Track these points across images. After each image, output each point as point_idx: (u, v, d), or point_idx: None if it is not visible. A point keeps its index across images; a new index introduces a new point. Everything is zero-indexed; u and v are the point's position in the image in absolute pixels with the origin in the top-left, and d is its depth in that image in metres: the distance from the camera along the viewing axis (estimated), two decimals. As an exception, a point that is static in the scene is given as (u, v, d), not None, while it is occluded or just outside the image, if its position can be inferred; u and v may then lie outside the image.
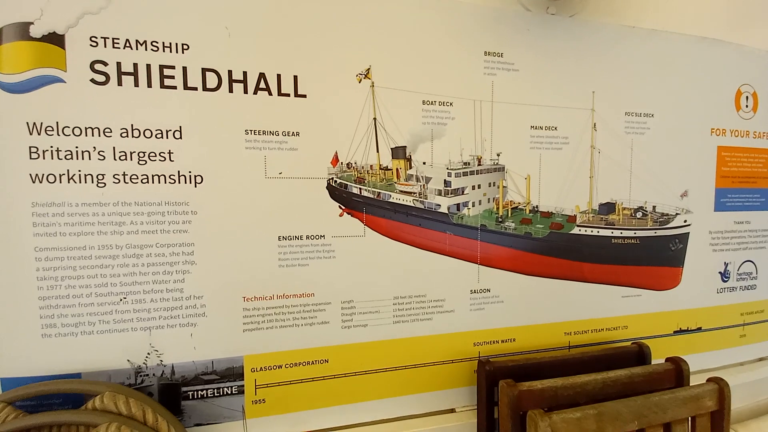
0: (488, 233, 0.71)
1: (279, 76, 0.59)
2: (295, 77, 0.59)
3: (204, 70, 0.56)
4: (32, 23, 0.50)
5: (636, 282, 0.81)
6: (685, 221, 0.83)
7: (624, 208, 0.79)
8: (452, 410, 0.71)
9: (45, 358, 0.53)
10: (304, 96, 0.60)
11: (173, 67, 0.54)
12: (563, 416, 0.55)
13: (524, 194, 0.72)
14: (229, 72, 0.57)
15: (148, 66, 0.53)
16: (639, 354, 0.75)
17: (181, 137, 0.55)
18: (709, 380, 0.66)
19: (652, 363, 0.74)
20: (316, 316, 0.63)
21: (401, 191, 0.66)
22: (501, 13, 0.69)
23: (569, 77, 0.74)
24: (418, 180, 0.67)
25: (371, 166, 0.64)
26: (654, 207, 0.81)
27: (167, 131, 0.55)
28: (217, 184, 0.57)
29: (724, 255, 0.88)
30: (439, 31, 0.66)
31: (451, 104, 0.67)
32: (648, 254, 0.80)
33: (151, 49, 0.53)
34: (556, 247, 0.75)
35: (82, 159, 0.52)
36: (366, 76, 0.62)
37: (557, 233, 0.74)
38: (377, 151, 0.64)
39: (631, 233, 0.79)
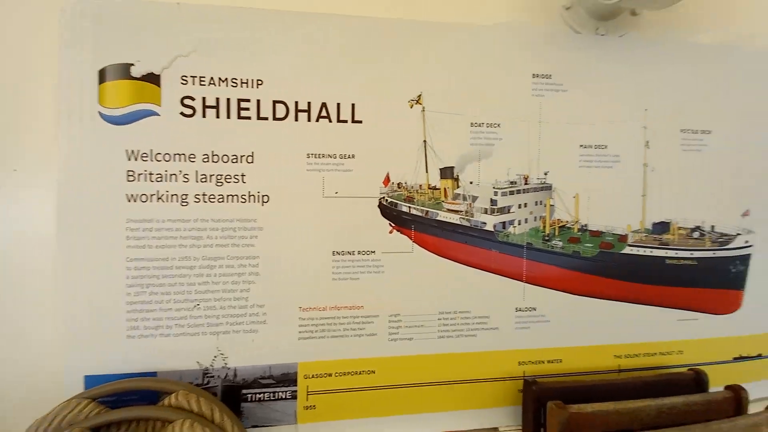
0: (534, 251, 0.71)
1: (339, 104, 0.64)
2: (353, 105, 0.64)
3: (274, 102, 0.62)
4: (133, 65, 0.58)
5: (693, 305, 0.77)
6: (747, 242, 0.78)
7: (679, 228, 0.76)
8: (495, 429, 0.71)
9: (126, 358, 0.59)
10: (360, 122, 0.64)
11: (248, 100, 0.61)
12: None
13: (572, 213, 0.72)
14: (296, 103, 0.62)
15: (228, 100, 0.60)
16: (696, 381, 0.71)
17: (252, 161, 0.61)
18: (769, 409, 0.62)
19: (710, 391, 0.70)
20: (365, 327, 0.67)
21: (448, 209, 0.69)
22: (550, 37, 0.70)
23: (620, 96, 0.73)
24: (465, 199, 0.69)
25: (420, 185, 0.67)
26: (713, 227, 0.77)
27: (241, 156, 0.61)
28: (281, 202, 0.62)
29: (791, 278, 0.82)
30: (487, 57, 0.68)
31: (498, 125, 0.69)
32: (706, 276, 0.77)
33: (231, 85, 0.60)
34: (605, 267, 0.73)
35: (170, 181, 0.59)
36: (417, 101, 0.66)
37: (607, 253, 0.73)
38: (426, 172, 0.67)
39: (687, 254, 0.76)
